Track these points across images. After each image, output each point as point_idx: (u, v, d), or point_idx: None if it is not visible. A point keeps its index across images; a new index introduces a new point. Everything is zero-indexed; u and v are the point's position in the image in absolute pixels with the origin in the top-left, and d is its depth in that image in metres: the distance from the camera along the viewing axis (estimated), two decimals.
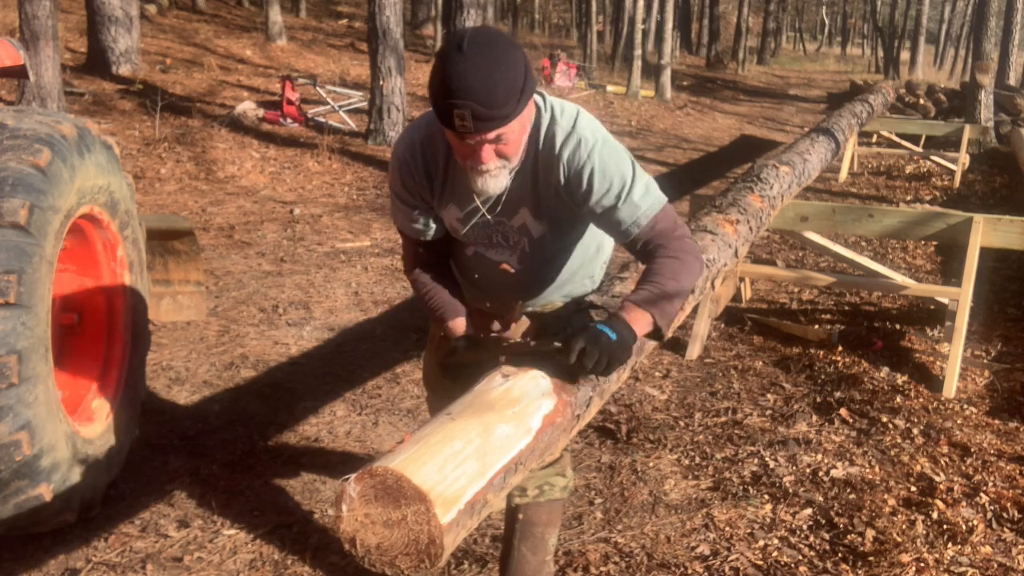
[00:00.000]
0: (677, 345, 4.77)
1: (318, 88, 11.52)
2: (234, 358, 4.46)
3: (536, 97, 1.96)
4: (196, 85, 12.07)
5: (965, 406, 4.21)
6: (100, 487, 2.93)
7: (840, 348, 4.81)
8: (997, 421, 4.06)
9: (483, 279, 2.21)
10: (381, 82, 10.34)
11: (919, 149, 11.73)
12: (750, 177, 4.52)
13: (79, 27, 13.28)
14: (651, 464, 3.54)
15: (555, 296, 2.25)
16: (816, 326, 5.18)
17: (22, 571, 2.72)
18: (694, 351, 4.71)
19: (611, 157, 1.96)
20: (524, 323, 2.28)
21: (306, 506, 3.15)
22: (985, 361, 4.81)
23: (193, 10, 18.67)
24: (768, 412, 4.06)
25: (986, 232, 4.64)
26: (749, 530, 3.07)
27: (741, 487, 3.36)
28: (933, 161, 11.28)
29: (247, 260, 6.20)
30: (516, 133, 1.85)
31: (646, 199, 1.97)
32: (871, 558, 2.88)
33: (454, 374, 2.07)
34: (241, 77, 13.32)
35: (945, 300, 5.04)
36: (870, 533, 3.03)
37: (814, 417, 4.00)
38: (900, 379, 4.46)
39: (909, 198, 9.52)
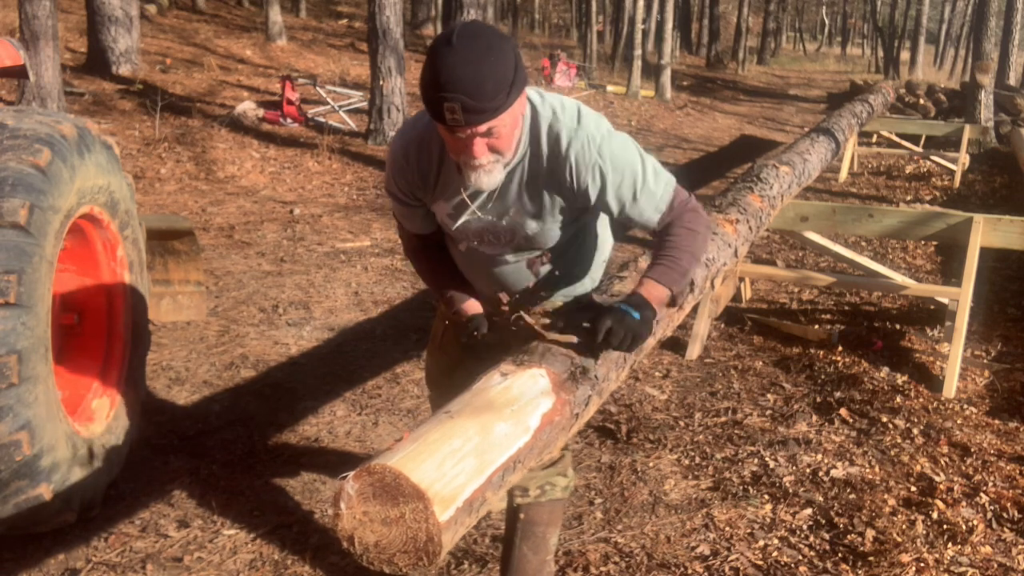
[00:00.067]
0: (677, 345, 4.77)
1: (318, 88, 11.52)
2: (234, 358, 4.46)
3: (534, 94, 1.96)
4: (196, 85, 12.07)
5: (965, 406, 4.21)
6: (100, 487, 2.93)
7: (840, 348, 4.81)
8: (997, 421, 4.06)
9: (476, 275, 2.22)
10: (381, 82, 10.35)
11: (919, 149, 11.72)
12: (750, 177, 4.52)
13: (79, 27, 13.29)
14: (651, 464, 3.54)
15: (555, 296, 2.25)
16: (816, 326, 5.18)
17: (22, 571, 2.72)
18: (694, 351, 4.71)
19: (620, 150, 1.98)
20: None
21: (306, 506, 3.15)
22: (985, 361, 4.81)
23: (193, 10, 18.68)
24: (768, 412, 4.05)
25: (986, 232, 4.64)
26: (749, 530, 3.07)
27: (741, 487, 3.36)
28: (933, 161, 11.27)
29: (247, 260, 6.20)
30: (508, 127, 1.84)
31: (659, 184, 2.04)
32: (871, 558, 2.88)
33: (480, 354, 2.09)
34: (241, 77, 13.33)
35: (945, 300, 5.04)
36: (870, 533, 3.03)
37: (814, 417, 4.00)
38: (900, 379, 4.45)
39: (909, 198, 9.51)
